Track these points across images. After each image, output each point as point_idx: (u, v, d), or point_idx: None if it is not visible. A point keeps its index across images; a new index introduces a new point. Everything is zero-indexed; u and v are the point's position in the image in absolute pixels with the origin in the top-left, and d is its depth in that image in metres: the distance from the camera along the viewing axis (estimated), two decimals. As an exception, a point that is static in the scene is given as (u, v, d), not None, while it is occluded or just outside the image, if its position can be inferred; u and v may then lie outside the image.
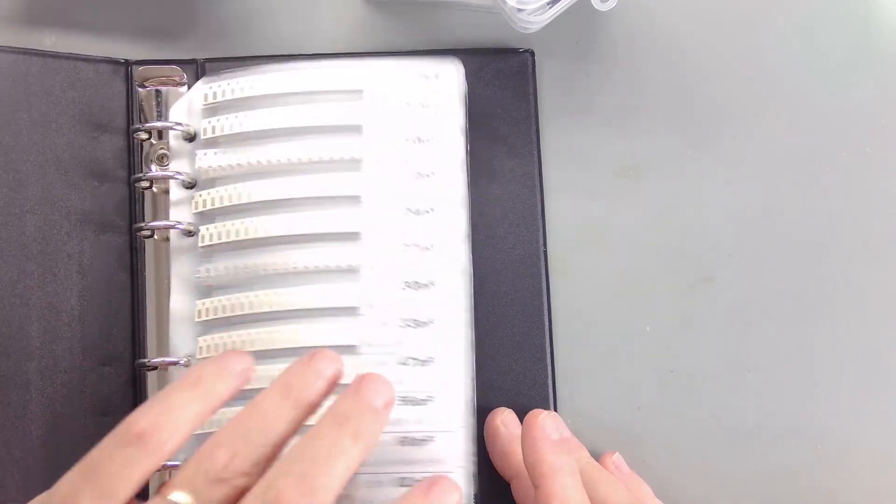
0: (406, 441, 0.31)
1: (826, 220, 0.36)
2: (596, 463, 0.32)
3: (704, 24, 0.37)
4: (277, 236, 0.32)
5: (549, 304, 0.34)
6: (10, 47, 0.33)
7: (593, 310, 0.35)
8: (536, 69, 0.36)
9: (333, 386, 0.26)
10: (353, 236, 0.32)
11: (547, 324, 0.34)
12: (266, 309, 0.32)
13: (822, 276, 0.36)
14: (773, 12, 0.38)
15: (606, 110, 0.37)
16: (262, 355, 0.32)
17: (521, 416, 0.33)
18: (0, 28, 0.35)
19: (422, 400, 0.31)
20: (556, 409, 0.34)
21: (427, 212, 0.32)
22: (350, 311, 0.32)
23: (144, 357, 0.33)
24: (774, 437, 0.35)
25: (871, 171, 0.37)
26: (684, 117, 0.37)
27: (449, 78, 0.33)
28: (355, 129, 0.33)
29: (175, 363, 0.32)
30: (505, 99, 0.35)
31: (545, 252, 0.35)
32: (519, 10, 0.32)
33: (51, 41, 0.35)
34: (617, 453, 0.33)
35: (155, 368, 0.33)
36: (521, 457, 0.29)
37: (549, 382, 0.34)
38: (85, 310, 0.33)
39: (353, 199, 0.32)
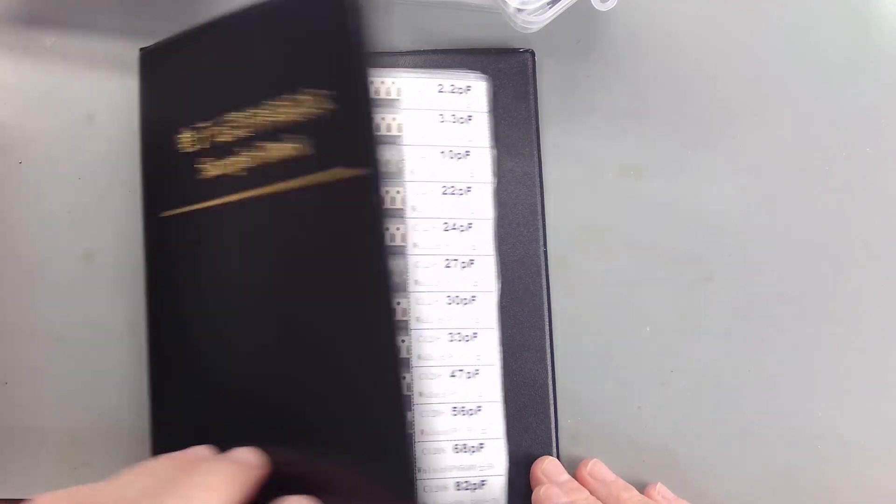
0: (461, 448, 0.33)
1: (826, 220, 0.36)
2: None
3: (704, 25, 0.37)
4: None
5: (549, 304, 0.34)
6: None
7: (593, 310, 0.35)
8: (536, 69, 0.36)
9: None
10: (399, 249, 0.33)
11: (547, 324, 0.34)
12: None
13: (822, 276, 0.36)
14: (773, 12, 0.38)
15: (606, 110, 0.37)
16: None
17: (522, 415, 0.33)
18: (0, 28, 0.35)
19: (473, 410, 0.33)
20: (556, 409, 0.34)
21: (466, 227, 0.34)
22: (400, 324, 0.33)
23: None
24: (774, 437, 0.35)
25: (871, 171, 0.37)
26: (684, 117, 0.37)
27: (479, 92, 0.35)
28: (394, 138, 0.34)
29: None
30: (505, 99, 0.35)
31: (545, 252, 0.35)
32: (519, 10, 0.32)
33: (51, 41, 0.35)
34: (660, 483, 0.33)
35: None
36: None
37: (549, 382, 0.34)
38: None
39: (398, 211, 0.34)
